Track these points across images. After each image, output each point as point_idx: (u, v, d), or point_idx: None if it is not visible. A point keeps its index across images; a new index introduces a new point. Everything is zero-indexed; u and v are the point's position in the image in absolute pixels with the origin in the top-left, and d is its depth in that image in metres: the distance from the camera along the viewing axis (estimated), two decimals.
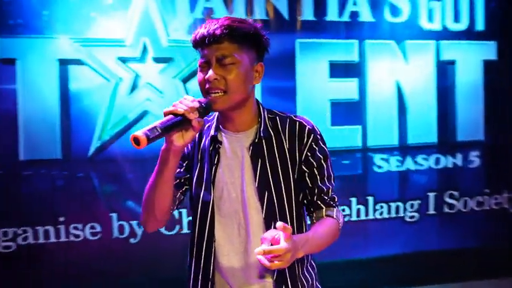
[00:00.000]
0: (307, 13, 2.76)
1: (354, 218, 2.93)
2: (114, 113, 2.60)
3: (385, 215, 2.98)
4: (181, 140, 1.04)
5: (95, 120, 2.58)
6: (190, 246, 1.26)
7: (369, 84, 2.89)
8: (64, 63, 2.53)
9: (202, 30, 1.11)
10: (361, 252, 2.95)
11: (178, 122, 1.00)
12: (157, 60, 2.61)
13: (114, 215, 2.64)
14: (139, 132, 0.93)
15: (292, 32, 2.76)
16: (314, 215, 1.26)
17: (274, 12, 2.72)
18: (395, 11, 2.90)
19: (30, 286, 2.60)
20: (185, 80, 2.65)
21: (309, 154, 1.23)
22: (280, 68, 2.74)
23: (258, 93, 2.70)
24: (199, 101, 1.07)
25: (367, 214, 2.95)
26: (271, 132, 1.23)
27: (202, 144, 1.24)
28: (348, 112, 2.88)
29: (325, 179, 1.25)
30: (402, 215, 3.01)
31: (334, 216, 1.24)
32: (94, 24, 2.54)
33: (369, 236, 2.98)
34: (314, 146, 1.23)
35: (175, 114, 1.01)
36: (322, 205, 1.25)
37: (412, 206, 3.02)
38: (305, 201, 1.27)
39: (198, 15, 2.63)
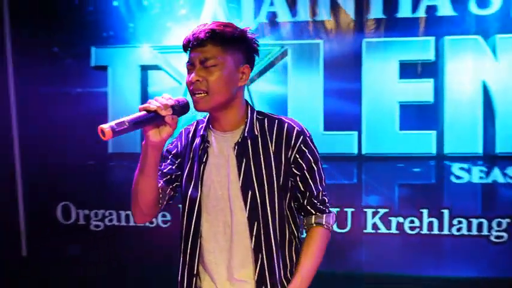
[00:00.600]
0: (375, 11, 2.62)
1: (425, 231, 2.67)
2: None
3: (464, 232, 2.66)
4: (157, 136, 1.11)
5: None
6: (179, 242, 1.33)
7: (447, 85, 2.61)
8: (145, 68, 2.86)
9: (189, 35, 1.20)
10: (431, 269, 2.68)
11: (149, 117, 1.07)
12: None
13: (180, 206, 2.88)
14: (107, 124, 1.00)
15: (359, 31, 2.65)
16: (305, 221, 1.30)
17: (340, 12, 2.66)
18: (482, 2, 2.56)
19: (112, 261, 3.00)
20: (248, 84, 2.75)
21: (297, 156, 1.24)
22: (345, 69, 2.67)
23: (319, 94, 2.67)
24: (176, 100, 1.14)
25: (441, 229, 2.67)
26: (257, 133, 1.25)
27: (194, 144, 1.31)
28: (420, 116, 2.65)
29: (317, 182, 1.27)
30: (487, 233, 2.65)
31: (324, 223, 1.27)
32: (170, 33, 2.82)
33: (443, 253, 2.69)
34: (303, 148, 1.24)
35: (148, 111, 1.08)
36: (312, 210, 1.27)
37: (499, 224, 2.64)
38: (296, 205, 1.27)
39: (262, 19, 2.71)
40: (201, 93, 1.17)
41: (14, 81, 3.03)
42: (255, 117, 1.28)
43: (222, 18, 2.73)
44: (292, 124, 1.27)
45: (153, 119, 1.08)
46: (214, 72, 1.16)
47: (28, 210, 3.10)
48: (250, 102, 2.30)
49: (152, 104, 1.08)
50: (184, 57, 2.71)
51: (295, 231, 1.32)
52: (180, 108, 1.14)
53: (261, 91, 2.75)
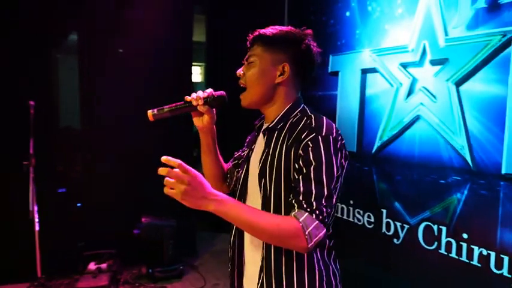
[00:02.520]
0: None
1: None
2: (393, 117, 2.75)
3: None
4: (200, 122, 1.38)
5: (379, 122, 2.85)
6: None
7: None
8: (364, 72, 2.98)
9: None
10: None
11: (183, 107, 1.33)
12: (433, 62, 2.47)
13: (384, 211, 2.83)
14: (152, 109, 1.27)
15: None
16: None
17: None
18: None
19: None
20: (458, 83, 2.32)
21: (301, 152, 1.18)
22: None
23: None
24: (211, 93, 1.35)
25: None
26: (282, 128, 1.28)
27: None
28: None
29: (311, 182, 1.15)
30: None
31: (300, 220, 1.10)
32: (386, 35, 2.79)
33: None
34: (310, 144, 1.17)
35: (185, 101, 1.34)
36: (295, 205, 1.15)
37: None
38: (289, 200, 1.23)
39: (480, 5, 2.21)
40: (243, 90, 1.33)
41: None
42: (290, 114, 1.30)
43: (436, 10, 2.44)
44: (314, 122, 1.22)
45: (188, 108, 1.33)
46: (251, 68, 1.30)
47: None
48: (458, 105, 2.26)
49: (190, 96, 1.35)
50: (398, 58, 2.65)
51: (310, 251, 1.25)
52: (212, 101, 1.34)
53: (473, 92, 2.26)
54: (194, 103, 1.33)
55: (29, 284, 3.11)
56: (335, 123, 3.09)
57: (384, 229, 2.82)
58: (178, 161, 1.03)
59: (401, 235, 2.69)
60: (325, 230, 1.13)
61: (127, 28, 3.47)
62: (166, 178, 1.02)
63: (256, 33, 1.31)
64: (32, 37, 3.22)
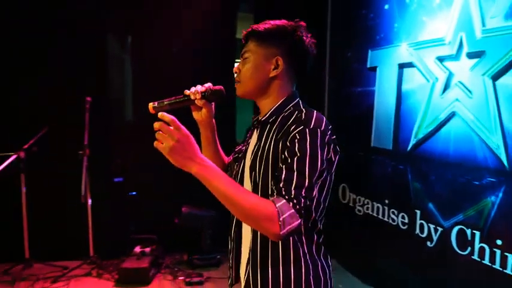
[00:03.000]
0: None
1: None
2: (429, 113, 2.61)
3: None
4: (199, 115, 1.41)
5: (415, 119, 2.73)
6: None
7: None
8: (401, 66, 2.86)
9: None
10: None
11: (182, 100, 1.34)
12: (470, 55, 2.30)
13: (418, 212, 2.71)
14: (153, 102, 1.26)
15: None
16: None
17: None
18: None
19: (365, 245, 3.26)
20: (495, 77, 2.15)
21: (288, 145, 1.17)
22: None
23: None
24: (209, 88, 1.36)
25: None
26: (274, 121, 1.29)
27: None
28: None
29: (293, 172, 1.12)
30: None
31: (277, 205, 1.07)
32: (423, 27, 2.65)
33: None
34: (296, 136, 1.16)
35: (184, 95, 1.36)
36: (275, 191, 1.13)
37: None
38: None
39: None
40: (238, 82, 1.35)
41: (328, 82, 3.86)
42: (283, 107, 1.30)
43: (474, 2, 2.28)
44: (303, 115, 1.20)
45: (186, 102, 1.33)
46: (246, 63, 1.30)
47: None
48: (494, 101, 2.14)
49: (189, 90, 1.37)
50: (435, 52, 2.53)
51: (296, 245, 1.24)
52: (210, 95, 1.36)
53: (510, 87, 2.08)
54: (192, 97, 1.36)
55: (82, 261, 3.48)
56: (372, 120, 3.05)
57: (417, 231, 2.70)
58: (172, 117, 1.07)
59: (435, 238, 2.56)
60: (300, 220, 1.10)
61: (174, 28, 3.68)
62: (158, 132, 1.06)
63: (250, 29, 1.32)
64: (89, 37, 3.56)
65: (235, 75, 1.34)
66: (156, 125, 1.06)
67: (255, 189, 1.26)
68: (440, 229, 2.52)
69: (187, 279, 3.24)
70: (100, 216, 3.54)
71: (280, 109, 1.29)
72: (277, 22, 1.30)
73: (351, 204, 3.48)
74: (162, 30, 3.70)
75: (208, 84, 1.36)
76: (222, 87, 1.37)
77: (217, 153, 1.52)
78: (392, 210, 2.96)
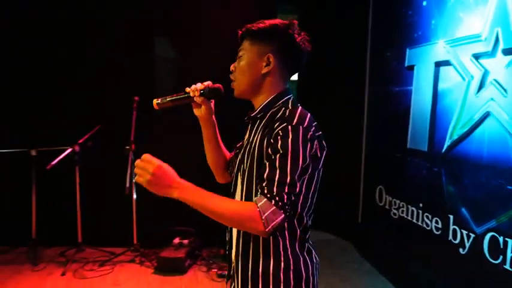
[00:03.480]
0: None
1: None
2: (464, 113, 2.49)
3: None
4: (199, 112, 1.48)
5: (450, 119, 2.61)
6: None
7: None
8: (438, 65, 2.75)
9: None
10: None
11: (182, 97, 1.41)
12: (505, 52, 2.17)
13: (451, 217, 2.59)
14: (157, 98, 1.38)
15: None
16: None
17: None
18: None
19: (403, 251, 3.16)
20: None
21: (272, 141, 1.22)
22: None
23: None
24: (207, 86, 1.42)
25: None
26: (263, 117, 1.33)
27: None
28: None
29: (275, 170, 1.17)
30: None
31: (258, 205, 1.14)
32: (460, 23, 2.53)
33: None
34: (280, 133, 1.20)
35: (185, 92, 1.44)
36: (259, 190, 1.18)
37: None
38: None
39: None
40: (232, 82, 1.40)
41: (368, 82, 3.79)
42: (272, 104, 1.33)
43: None
44: (287, 112, 1.25)
45: (186, 99, 1.41)
46: (240, 61, 1.36)
47: (365, 185, 3.83)
48: None
49: (189, 88, 1.44)
50: (470, 49, 2.46)
51: (276, 241, 1.27)
52: (208, 93, 1.42)
53: None
54: (191, 94, 1.42)
55: (126, 249, 3.75)
56: (409, 120, 2.97)
57: (450, 236, 2.58)
58: (145, 154, 1.17)
59: (467, 245, 2.43)
60: (283, 215, 1.15)
61: (215, 29, 3.82)
62: (135, 168, 1.14)
63: (244, 28, 1.37)
64: (137, 40, 3.84)
65: (231, 73, 1.39)
66: (136, 162, 1.16)
67: (242, 182, 1.31)
68: (472, 235, 2.39)
69: (219, 272, 3.37)
70: (144, 208, 3.78)
71: (270, 105, 1.32)
72: (271, 21, 1.33)
73: (387, 206, 3.39)
74: (204, 32, 3.87)
75: (208, 82, 1.42)
76: (220, 86, 1.42)
77: (218, 149, 1.56)
78: (426, 214, 2.85)
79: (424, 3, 2.90)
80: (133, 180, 3.60)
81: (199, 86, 1.42)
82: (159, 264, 3.49)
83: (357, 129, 3.94)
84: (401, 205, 3.17)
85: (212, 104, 1.47)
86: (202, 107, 1.44)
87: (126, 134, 3.67)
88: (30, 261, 3.60)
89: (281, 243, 1.27)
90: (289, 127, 1.19)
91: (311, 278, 1.30)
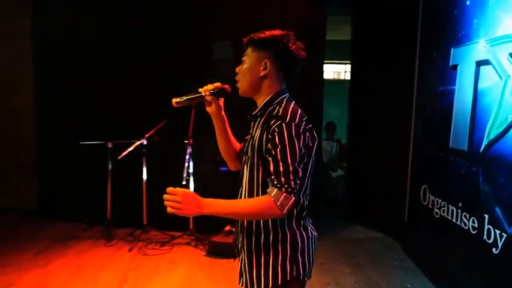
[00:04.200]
0: None
1: None
2: (500, 113, 2.48)
3: None
4: (210, 109, 1.70)
5: (488, 118, 2.60)
6: None
7: None
8: (478, 64, 2.74)
9: None
10: None
11: (196, 97, 1.64)
12: None
13: (486, 217, 2.58)
14: (175, 97, 1.61)
15: None
16: None
17: None
18: None
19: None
20: None
21: (270, 137, 1.44)
22: None
23: None
24: (216, 87, 1.66)
25: None
26: (262, 115, 1.55)
27: None
28: None
29: (278, 163, 1.39)
30: None
31: (272, 195, 1.37)
32: (500, 22, 2.51)
33: None
34: (276, 130, 1.42)
35: (198, 92, 1.68)
36: (269, 184, 1.43)
37: None
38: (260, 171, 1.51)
39: None
40: (237, 83, 1.63)
41: (417, 82, 3.80)
42: (269, 103, 1.54)
43: None
44: (281, 111, 1.46)
45: (199, 98, 1.65)
46: (243, 65, 1.57)
47: (411, 184, 3.85)
48: None
49: (202, 88, 1.68)
50: (508, 48, 2.50)
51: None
52: (216, 93, 1.63)
53: None
54: (203, 94, 1.66)
55: (184, 233, 4.17)
56: (451, 120, 3.01)
57: (485, 236, 2.58)
58: (168, 188, 1.38)
59: (500, 245, 2.43)
60: (293, 197, 1.38)
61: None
62: (165, 202, 1.35)
63: (248, 37, 1.59)
64: (198, 43, 4.26)
65: (236, 75, 1.60)
66: (164, 197, 1.37)
67: (246, 169, 1.54)
68: (504, 235, 2.38)
69: None
70: (202, 196, 4.17)
71: (268, 104, 1.53)
72: (271, 32, 1.54)
73: (429, 206, 3.40)
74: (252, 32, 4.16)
75: (218, 84, 1.66)
76: (228, 86, 1.66)
77: (229, 141, 1.77)
78: (464, 213, 2.85)
79: (468, 2, 2.89)
80: (190, 171, 4.02)
81: (209, 86, 1.65)
82: (210, 247, 3.86)
83: (405, 129, 3.96)
84: (442, 204, 3.18)
85: (221, 102, 1.70)
86: (213, 104, 1.66)
87: (186, 130, 4.09)
88: (105, 238, 4.17)
89: (279, 220, 1.49)
90: (283, 124, 1.40)
91: (306, 249, 1.52)
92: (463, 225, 2.86)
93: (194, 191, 4.13)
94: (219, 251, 3.79)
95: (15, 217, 4.93)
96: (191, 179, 4.02)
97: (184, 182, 3.87)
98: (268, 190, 1.41)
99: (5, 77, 5.20)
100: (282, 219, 1.49)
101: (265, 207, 1.38)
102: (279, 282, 1.47)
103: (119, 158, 3.86)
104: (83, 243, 4.11)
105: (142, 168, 4.19)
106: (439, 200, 3.23)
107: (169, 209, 1.34)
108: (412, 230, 3.83)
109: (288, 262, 1.49)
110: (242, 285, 1.60)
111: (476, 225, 2.70)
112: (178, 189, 1.37)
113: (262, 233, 1.51)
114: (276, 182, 1.39)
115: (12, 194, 5.21)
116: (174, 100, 1.65)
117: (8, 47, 5.18)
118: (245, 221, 1.56)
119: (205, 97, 1.65)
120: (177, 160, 4.08)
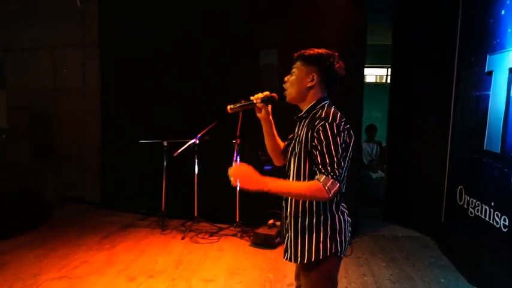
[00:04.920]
0: None
1: None
2: None
3: None
4: (260, 114, 2.01)
5: None
6: None
7: None
8: (511, 71, 2.88)
9: None
10: None
11: (249, 103, 1.92)
12: None
13: None
14: (229, 104, 1.88)
15: None
16: None
17: None
18: None
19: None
20: None
21: (315, 135, 1.74)
22: None
23: None
24: (266, 95, 1.95)
25: None
26: (307, 117, 1.86)
27: None
28: None
29: (324, 156, 1.68)
30: None
31: (321, 181, 1.65)
32: None
33: None
34: (320, 128, 1.72)
35: (250, 100, 1.96)
36: (317, 171, 1.72)
37: None
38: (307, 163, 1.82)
39: None
40: (285, 91, 1.94)
41: (455, 87, 3.94)
42: (315, 109, 1.84)
43: None
44: (324, 113, 1.76)
45: (251, 105, 1.92)
46: (292, 76, 1.91)
47: (448, 185, 3.99)
48: None
49: (253, 96, 2.00)
50: None
51: (317, 203, 1.77)
52: (266, 100, 1.91)
53: None
54: (255, 101, 1.96)
55: (230, 225, 4.55)
56: (486, 123, 3.18)
57: None
58: (235, 163, 1.78)
59: None
60: (338, 183, 1.67)
61: (313, 42, 4.38)
62: (230, 175, 1.68)
63: (299, 53, 1.89)
64: (246, 52, 4.63)
65: (285, 84, 1.91)
66: (229, 171, 1.71)
67: (294, 162, 1.84)
68: None
69: None
70: (246, 193, 4.52)
71: (312, 108, 1.85)
72: (319, 50, 1.85)
73: (465, 206, 3.54)
74: (302, 44, 4.45)
75: (267, 92, 1.94)
76: (275, 95, 1.94)
77: (274, 140, 2.08)
78: (496, 212, 3.00)
79: (503, 12, 3.04)
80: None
81: (260, 95, 1.94)
82: (254, 238, 4.20)
83: (443, 132, 4.10)
84: (476, 204, 3.32)
85: (269, 108, 1.98)
86: (262, 110, 1.96)
87: (234, 130, 4.46)
88: (160, 227, 4.65)
89: (321, 205, 1.79)
90: (327, 124, 1.71)
91: (343, 230, 1.82)
92: (495, 223, 3.00)
93: (240, 189, 4.46)
94: (262, 242, 4.13)
95: (82, 207, 5.57)
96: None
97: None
98: (316, 177, 1.69)
99: (76, 84, 5.87)
100: (324, 205, 1.79)
101: (316, 189, 1.67)
102: (320, 257, 1.78)
103: (175, 154, 4.30)
104: (141, 231, 4.60)
105: (194, 165, 4.61)
106: (474, 200, 3.38)
107: (233, 181, 1.65)
108: (448, 230, 3.96)
109: (328, 240, 1.78)
110: (287, 259, 1.91)
111: (507, 223, 2.84)
112: (242, 164, 1.67)
113: (307, 216, 1.81)
114: (323, 171, 1.67)
115: (80, 187, 5.87)
116: (228, 107, 1.93)
117: (78, 56, 5.85)
118: (293, 205, 1.85)
119: (256, 104, 1.95)
120: (226, 158, 4.45)
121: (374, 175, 6.09)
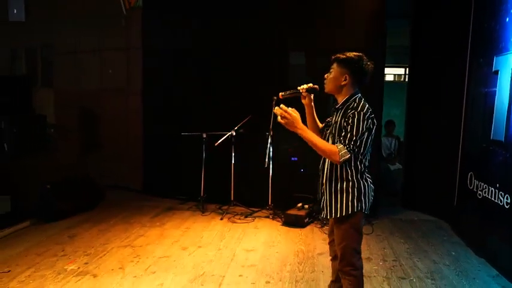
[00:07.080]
0: None
1: None
2: None
3: None
4: (305, 101, 2.57)
5: None
6: None
7: None
8: None
9: None
10: None
11: (296, 92, 2.51)
12: None
13: None
14: (281, 92, 2.50)
15: None
16: None
17: None
18: None
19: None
20: None
21: (346, 119, 2.29)
22: None
23: None
24: (310, 86, 2.51)
25: None
26: (342, 108, 2.38)
27: None
28: None
29: (347, 136, 2.21)
30: None
31: (338, 147, 2.22)
32: None
33: None
34: (350, 115, 2.27)
35: (297, 89, 2.52)
36: (338, 142, 2.29)
37: None
38: None
39: None
40: (325, 85, 2.48)
41: (467, 84, 4.42)
42: (349, 102, 2.36)
43: None
44: (355, 105, 2.30)
45: (298, 93, 2.45)
46: (330, 74, 2.45)
47: (460, 172, 4.46)
48: None
49: (299, 87, 2.56)
50: None
51: (347, 172, 2.31)
52: (310, 90, 2.49)
53: None
54: (301, 90, 2.52)
55: (263, 208, 5.11)
56: (493, 115, 3.65)
57: None
58: (282, 106, 2.26)
59: None
60: (349, 154, 2.21)
61: (337, 44, 4.90)
62: (277, 113, 2.23)
63: (336, 56, 2.42)
64: (278, 52, 5.20)
65: (325, 80, 2.46)
66: (277, 111, 2.26)
67: (331, 141, 2.38)
68: None
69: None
70: (277, 179, 5.09)
71: (346, 101, 2.37)
72: (351, 53, 2.38)
73: (474, 189, 4.02)
74: (326, 46, 5.00)
75: (310, 84, 2.49)
76: (317, 86, 2.48)
77: (315, 122, 2.63)
78: (500, 192, 3.47)
79: (507, 19, 3.51)
80: (270, 157, 4.94)
81: (305, 86, 2.50)
82: (285, 219, 4.75)
83: (455, 124, 4.57)
84: (484, 186, 3.80)
85: (312, 96, 2.53)
86: (307, 98, 2.52)
87: (267, 124, 5.01)
88: (200, 210, 5.23)
89: (349, 173, 2.33)
90: (356, 112, 2.25)
91: (367, 193, 2.35)
92: (499, 201, 3.48)
93: (273, 172, 5.12)
94: (292, 221, 4.68)
95: (127, 193, 6.20)
96: (271, 162, 4.95)
97: (266, 166, 4.80)
98: (336, 144, 2.26)
99: (121, 84, 6.51)
100: (352, 173, 2.33)
101: (332, 151, 2.23)
102: (349, 212, 2.32)
103: (216, 144, 4.89)
104: (184, 213, 5.20)
105: (231, 154, 5.18)
106: (482, 183, 3.85)
107: (279, 119, 2.20)
108: (460, 212, 4.44)
109: (355, 200, 2.32)
110: (324, 216, 2.46)
111: (509, 201, 3.32)
112: (290, 109, 2.20)
113: (339, 182, 2.35)
114: (342, 142, 2.23)
115: (123, 177, 6.51)
116: (280, 94, 2.46)
117: (122, 59, 6.49)
118: (327, 174, 2.39)
119: (302, 93, 2.50)
120: (259, 148, 5.01)
121: (392, 167, 6.56)
